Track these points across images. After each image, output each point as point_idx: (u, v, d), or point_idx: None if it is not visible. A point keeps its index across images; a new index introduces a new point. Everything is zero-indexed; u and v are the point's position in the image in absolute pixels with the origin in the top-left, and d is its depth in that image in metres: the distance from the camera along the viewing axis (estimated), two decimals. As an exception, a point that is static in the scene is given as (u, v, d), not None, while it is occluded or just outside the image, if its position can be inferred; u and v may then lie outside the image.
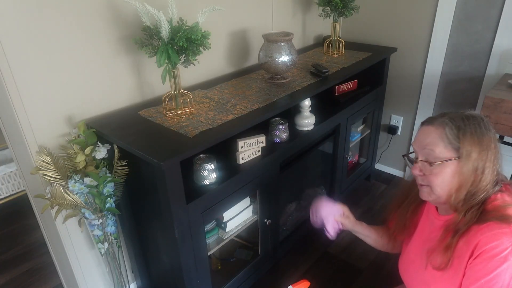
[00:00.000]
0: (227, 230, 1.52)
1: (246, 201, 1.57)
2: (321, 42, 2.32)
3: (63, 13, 1.22)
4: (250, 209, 1.61)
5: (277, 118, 1.59)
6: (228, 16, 1.76)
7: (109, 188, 1.26)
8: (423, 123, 0.98)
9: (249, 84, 1.68)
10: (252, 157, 1.46)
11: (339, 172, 2.09)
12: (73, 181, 1.20)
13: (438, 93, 2.28)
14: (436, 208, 1.05)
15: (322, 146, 1.90)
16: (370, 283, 1.84)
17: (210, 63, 1.76)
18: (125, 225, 1.57)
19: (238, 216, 1.55)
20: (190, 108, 1.40)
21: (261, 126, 1.45)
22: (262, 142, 1.47)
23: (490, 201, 0.91)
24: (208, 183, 1.31)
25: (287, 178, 1.71)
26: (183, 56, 1.26)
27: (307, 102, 1.64)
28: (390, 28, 2.32)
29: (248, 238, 1.81)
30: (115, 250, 1.46)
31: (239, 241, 1.83)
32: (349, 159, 2.33)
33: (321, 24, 2.37)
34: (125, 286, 1.55)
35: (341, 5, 1.94)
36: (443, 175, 0.91)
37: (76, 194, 1.22)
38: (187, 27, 1.23)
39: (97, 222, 1.31)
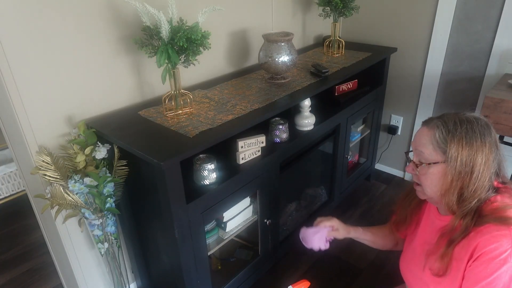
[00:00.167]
0: (227, 230, 1.52)
1: (246, 201, 1.57)
2: (321, 42, 2.32)
3: (63, 13, 1.22)
4: (250, 209, 1.61)
5: (277, 118, 1.59)
6: (228, 16, 1.76)
7: (109, 188, 1.26)
8: (422, 123, 1.00)
9: (249, 84, 1.68)
10: (252, 157, 1.46)
11: (339, 172, 2.09)
12: (73, 181, 1.20)
13: (438, 93, 2.28)
14: (437, 207, 1.05)
15: (322, 146, 1.90)
16: (370, 283, 1.84)
17: (210, 63, 1.76)
18: (125, 225, 1.57)
19: (238, 216, 1.55)
20: (190, 108, 1.40)
21: (261, 126, 1.45)
22: (262, 142, 1.47)
23: (489, 203, 0.91)
24: (208, 183, 1.31)
25: (287, 178, 1.71)
26: (183, 56, 1.26)
27: (307, 102, 1.64)
28: (390, 28, 2.32)
29: (248, 238, 1.81)
30: (115, 250, 1.46)
31: (239, 241, 1.83)
32: (349, 159, 2.33)
33: (321, 24, 2.37)
34: (125, 286, 1.55)
35: (341, 5, 1.94)
36: (432, 177, 0.93)
37: (76, 194, 1.22)
38: (187, 27, 1.23)
39: (97, 222, 1.31)
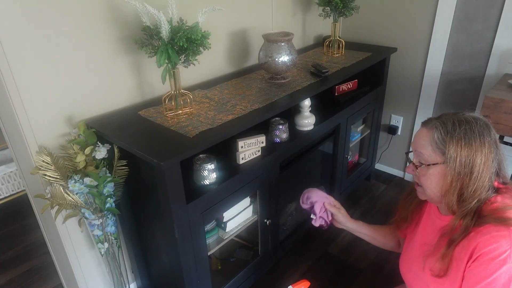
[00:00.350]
0: (227, 230, 1.52)
1: (246, 201, 1.57)
2: (321, 42, 2.32)
3: (63, 13, 1.22)
4: (250, 209, 1.61)
5: (277, 118, 1.59)
6: (228, 16, 1.76)
7: (109, 188, 1.26)
8: (421, 124, 1.00)
9: (249, 84, 1.68)
10: (252, 157, 1.46)
11: (339, 172, 2.09)
12: (73, 181, 1.20)
13: (438, 93, 2.28)
14: (438, 207, 1.05)
15: (322, 146, 1.90)
16: (370, 283, 1.84)
17: (210, 63, 1.76)
18: (125, 225, 1.57)
19: (238, 216, 1.55)
20: (190, 108, 1.40)
21: (261, 126, 1.45)
22: (262, 142, 1.47)
23: (489, 203, 0.91)
24: (208, 183, 1.31)
25: (287, 178, 1.71)
26: (183, 56, 1.26)
27: (307, 102, 1.64)
28: (390, 28, 2.32)
29: (248, 238, 1.81)
30: (115, 250, 1.46)
31: (239, 241, 1.83)
32: (349, 159, 2.33)
33: (321, 24, 2.37)
34: (125, 286, 1.55)
35: (341, 5, 1.94)
36: (431, 178, 0.93)
37: (76, 194, 1.22)
38: (187, 27, 1.23)
39: (97, 222, 1.31)
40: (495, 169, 0.92)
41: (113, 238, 1.41)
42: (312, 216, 1.25)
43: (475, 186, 0.89)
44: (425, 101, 2.33)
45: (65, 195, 1.20)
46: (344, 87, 1.97)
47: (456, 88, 2.21)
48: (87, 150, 1.24)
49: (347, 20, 2.43)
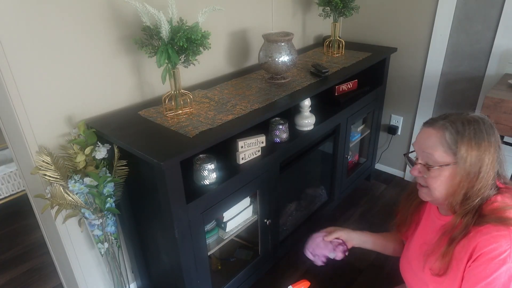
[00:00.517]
0: (227, 230, 1.52)
1: (246, 201, 1.57)
2: (321, 42, 2.32)
3: (63, 13, 1.22)
4: (250, 209, 1.61)
5: (277, 118, 1.59)
6: (228, 16, 1.76)
7: (109, 188, 1.26)
8: (424, 124, 0.98)
9: (249, 84, 1.68)
10: (252, 157, 1.46)
11: (339, 172, 2.09)
12: (73, 181, 1.20)
13: (438, 93, 2.28)
14: (437, 207, 1.05)
15: (322, 146, 1.90)
16: (370, 283, 1.84)
17: (210, 63, 1.76)
18: (125, 225, 1.57)
19: (238, 216, 1.55)
20: (190, 108, 1.40)
21: (261, 126, 1.45)
22: (262, 142, 1.47)
23: (489, 203, 0.91)
24: (208, 183, 1.31)
25: (287, 178, 1.71)
26: (183, 56, 1.26)
27: (307, 102, 1.64)
28: (390, 28, 2.32)
29: (248, 238, 1.81)
30: (115, 250, 1.46)
31: (239, 241, 1.83)
32: (349, 159, 2.33)
33: (321, 24, 2.37)
34: (125, 286, 1.55)
35: (341, 5, 1.94)
36: (441, 179, 0.92)
37: (76, 194, 1.22)
38: (187, 27, 1.23)
39: (97, 222, 1.31)
40: (497, 169, 0.92)
41: (113, 238, 1.41)
42: (331, 256, 1.21)
43: (481, 185, 0.89)
44: (425, 101, 2.33)
45: (65, 195, 1.20)
46: (344, 87, 1.97)
47: (456, 88, 2.21)
48: (87, 150, 1.24)
49: (347, 20, 2.43)
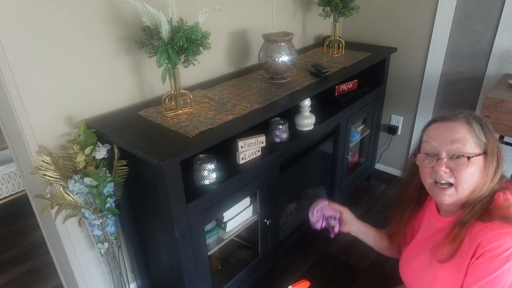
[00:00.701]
0: (227, 230, 1.52)
1: (246, 201, 1.57)
2: (321, 42, 2.32)
3: (63, 13, 1.22)
4: (250, 209, 1.61)
5: (277, 118, 1.59)
6: (228, 16, 1.76)
7: (109, 188, 1.26)
8: (442, 120, 0.96)
9: (249, 84, 1.68)
10: (252, 157, 1.46)
11: (339, 172, 2.09)
12: (73, 181, 1.20)
13: (438, 93, 2.28)
14: (438, 210, 1.04)
15: (322, 146, 1.90)
16: (370, 283, 1.84)
17: (210, 63, 1.76)
18: (125, 225, 1.57)
19: (238, 216, 1.55)
20: (190, 108, 1.40)
21: (261, 126, 1.45)
22: (262, 142, 1.47)
23: (494, 198, 0.92)
24: (208, 183, 1.31)
25: (287, 178, 1.71)
26: (183, 56, 1.26)
27: (307, 102, 1.64)
28: (390, 28, 2.32)
29: (248, 238, 1.81)
30: (115, 250, 1.46)
31: (239, 241, 1.83)
32: (349, 159, 2.33)
33: (321, 24, 2.37)
34: (125, 286, 1.55)
35: (341, 5, 1.94)
36: (471, 170, 0.90)
37: (76, 194, 1.22)
38: (187, 27, 1.23)
39: (97, 222, 1.31)
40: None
41: (113, 238, 1.41)
42: (332, 223, 1.20)
43: (498, 177, 0.93)
44: (425, 101, 2.33)
45: (65, 195, 1.20)
46: (344, 87, 1.97)
47: (456, 88, 2.21)
48: (87, 150, 1.24)
49: (347, 20, 2.43)
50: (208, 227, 1.49)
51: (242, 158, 1.42)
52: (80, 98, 1.34)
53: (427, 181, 0.98)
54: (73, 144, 1.25)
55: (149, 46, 1.23)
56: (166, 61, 1.24)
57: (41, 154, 1.23)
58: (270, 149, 1.53)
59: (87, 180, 1.21)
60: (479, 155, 0.91)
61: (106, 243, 1.37)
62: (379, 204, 2.39)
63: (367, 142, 2.42)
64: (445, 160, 0.92)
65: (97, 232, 1.34)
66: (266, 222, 1.62)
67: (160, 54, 1.21)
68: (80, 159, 1.23)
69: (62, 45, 1.24)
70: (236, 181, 1.39)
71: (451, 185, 0.93)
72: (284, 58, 1.60)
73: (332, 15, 2.03)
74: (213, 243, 1.53)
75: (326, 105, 1.89)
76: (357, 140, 2.33)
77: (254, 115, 1.37)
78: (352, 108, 1.97)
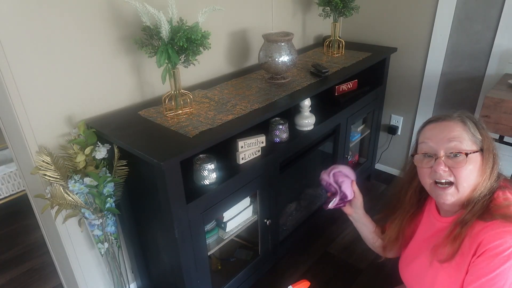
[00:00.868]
0: (227, 230, 1.52)
1: (246, 201, 1.57)
2: (321, 42, 2.32)
3: (63, 13, 1.22)
4: (250, 209, 1.61)
5: (277, 118, 1.59)
6: (228, 16, 1.76)
7: (109, 188, 1.26)
8: (436, 120, 0.98)
9: (249, 84, 1.68)
10: (252, 157, 1.46)
11: (339, 172, 2.09)
12: (73, 181, 1.20)
13: (438, 93, 2.28)
14: (438, 211, 1.04)
15: (322, 146, 1.90)
16: (370, 283, 1.84)
17: (210, 63, 1.76)
18: (125, 225, 1.57)
19: (238, 216, 1.55)
20: (190, 108, 1.40)
21: (261, 126, 1.45)
22: (262, 142, 1.47)
23: (493, 197, 0.92)
24: (208, 183, 1.31)
25: (287, 178, 1.71)
26: (183, 56, 1.26)
27: (307, 102, 1.64)
28: (390, 28, 2.32)
29: (248, 238, 1.81)
30: (115, 250, 1.46)
31: (239, 241, 1.83)
32: (349, 159, 2.33)
33: (321, 24, 2.37)
34: (125, 286, 1.55)
35: (341, 5, 1.94)
36: (470, 167, 0.91)
37: (76, 194, 1.22)
38: (187, 27, 1.23)
39: (97, 222, 1.31)
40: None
41: (113, 238, 1.41)
42: (344, 187, 1.17)
43: (496, 174, 0.94)
44: (425, 101, 2.33)
45: (65, 195, 1.20)
46: (344, 87, 1.97)
47: (456, 88, 2.21)
48: (87, 150, 1.24)
49: (347, 20, 2.42)
50: (208, 227, 1.49)
51: (242, 158, 1.42)
52: (80, 98, 1.34)
53: (427, 182, 0.98)
54: (73, 144, 1.25)
55: (149, 46, 1.23)
56: (166, 61, 1.24)
57: (41, 154, 1.23)
58: (270, 149, 1.53)
59: (87, 180, 1.21)
60: (476, 151, 0.92)
61: (106, 243, 1.37)
62: (379, 204, 2.38)
63: (367, 142, 2.42)
64: (443, 159, 0.92)
65: (97, 232, 1.34)
66: (266, 222, 1.62)
67: (160, 54, 1.21)
68: (80, 159, 1.23)
69: (62, 45, 1.24)
70: (236, 181, 1.39)
71: (451, 184, 0.93)
72: (284, 58, 1.60)
73: (332, 15, 2.03)
74: (213, 243, 1.53)
75: (326, 105, 1.89)
76: (357, 140, 2.33)
77: (254, 115, 1.37)
78: (352, 108, 1.97)
